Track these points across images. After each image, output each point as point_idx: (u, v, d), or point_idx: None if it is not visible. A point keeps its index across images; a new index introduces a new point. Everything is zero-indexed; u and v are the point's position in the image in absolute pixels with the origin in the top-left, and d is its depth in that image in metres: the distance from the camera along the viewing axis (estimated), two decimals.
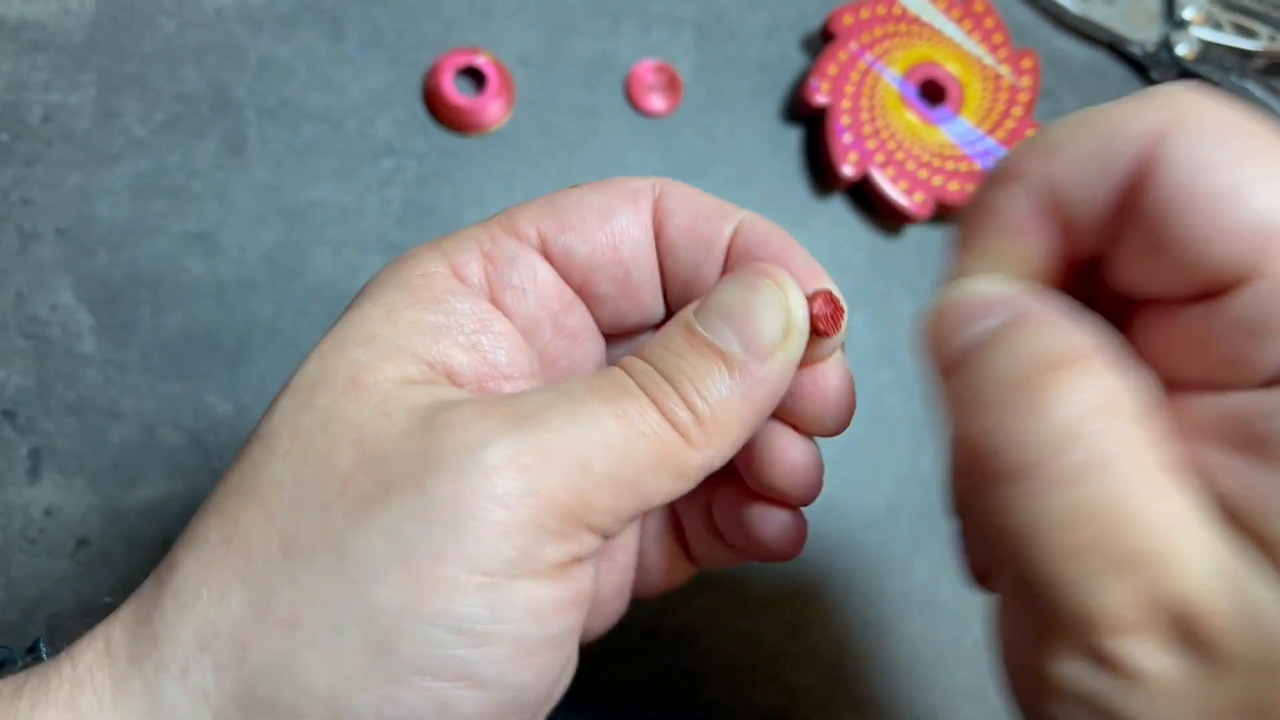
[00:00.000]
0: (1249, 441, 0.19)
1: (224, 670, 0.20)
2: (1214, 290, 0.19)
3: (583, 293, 0.27)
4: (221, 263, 0.48)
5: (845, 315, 0.25)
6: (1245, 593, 0.18)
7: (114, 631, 0.22)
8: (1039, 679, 0.20)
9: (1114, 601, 0.18)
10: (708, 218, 0.26)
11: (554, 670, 0.22)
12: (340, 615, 0.20)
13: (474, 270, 0.26)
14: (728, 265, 0.27)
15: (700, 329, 0.23)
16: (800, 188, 0.52)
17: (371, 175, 0.49)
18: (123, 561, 0.46)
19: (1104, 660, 0.18)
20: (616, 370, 0.24)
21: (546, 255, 0.27)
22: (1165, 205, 0.19)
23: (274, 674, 0.20)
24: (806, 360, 0.25)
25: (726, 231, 0.26)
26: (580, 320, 0.28)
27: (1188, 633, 0.18)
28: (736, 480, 0.29)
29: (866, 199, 0.51)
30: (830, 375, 0.26)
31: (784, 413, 0.26)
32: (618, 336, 0.29)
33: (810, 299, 0.25)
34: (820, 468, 0.28)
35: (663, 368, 0.23)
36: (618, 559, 0.30)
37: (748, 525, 0.29)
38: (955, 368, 0.21)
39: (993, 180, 0.23)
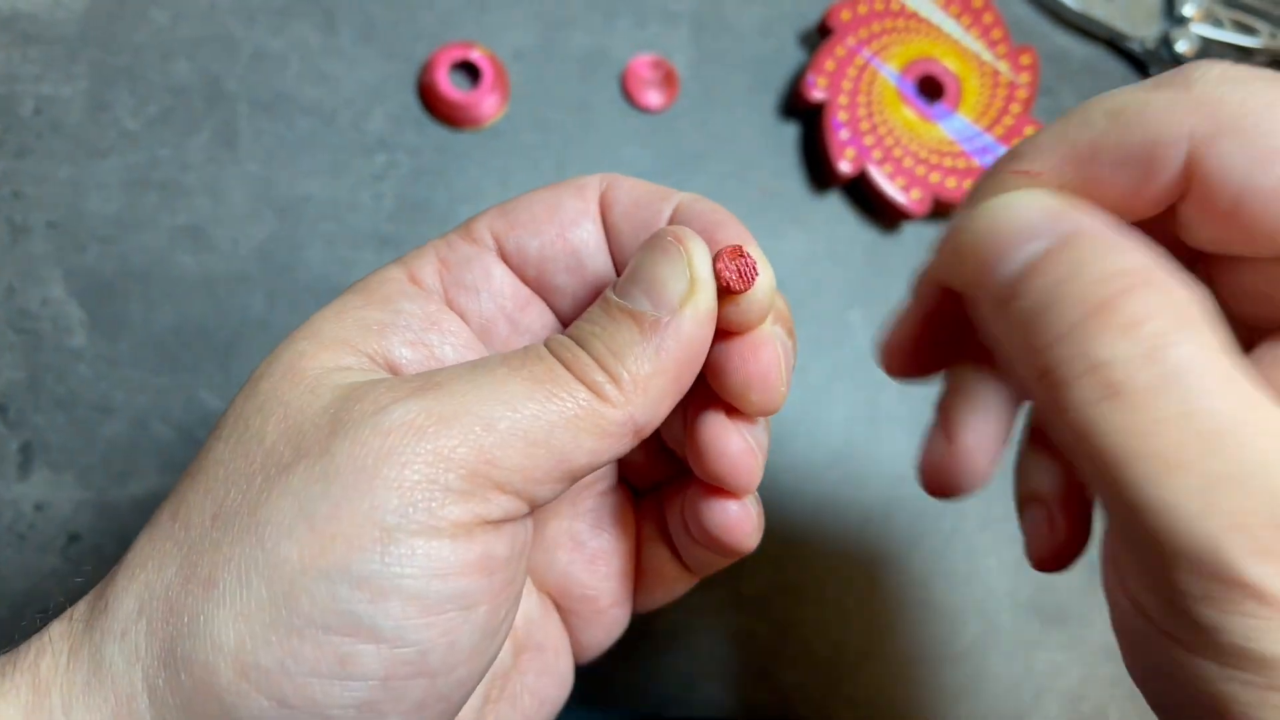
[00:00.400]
0: None
1: (154, 630, 0.22)
2: None
3: (540, 287, 0.28)
4: (213, 257, 0.48)
5: (761, 274, 0.25)
6: None
7: (79, 606, 0.24)
8: (1169, 623, 0.19)
9: (1226, 521, 0.17)
10: (648, 202, 0.27)
11: (465, 633, 0.22)
12: (249, 572, 0.21)
13: (429, 274, 0.27)
14: None
15: (613, 296, 0.24)
16: (797, 184, 0.51)
17: (365, 170, 0.49)
18: (114, 557, 0.45)
19: (1230, 587, 0.17)
20: (535, 344, 0.25)
21: (502, 256, 0.28)
22: (1226, 207, 0.20)
23: (191, 631, 0.21)
24: (731, 323, 0.25)
25: (666, 212, 0.27)
26: (539, 319, 0.28)
27: None
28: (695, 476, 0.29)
29: (864, 195, 0.51)
30: (757, 348, 0.26)
31: (715, 391, 0.27)
32: None
33: (716, 254, 0.25)
34: (753, 454, 0.27)
35: (577, 335, 0.24)
36: (614, 566, 0.31)
37: (700, 518, 0.29)
38: (1011, 295, 0.21)
39: (1002, 170, 0.23)
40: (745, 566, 0.48)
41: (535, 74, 0.51)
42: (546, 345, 0.24)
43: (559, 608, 0.31)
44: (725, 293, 0.25)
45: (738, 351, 0.26)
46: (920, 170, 0.49)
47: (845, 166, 0.49)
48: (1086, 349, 0.19)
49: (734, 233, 0.26)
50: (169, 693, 0.21)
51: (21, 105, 0.48)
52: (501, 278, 0.28)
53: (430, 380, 0.23)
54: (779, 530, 0.48)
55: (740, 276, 0.25)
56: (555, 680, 0.30)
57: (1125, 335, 0.18)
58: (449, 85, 0.49)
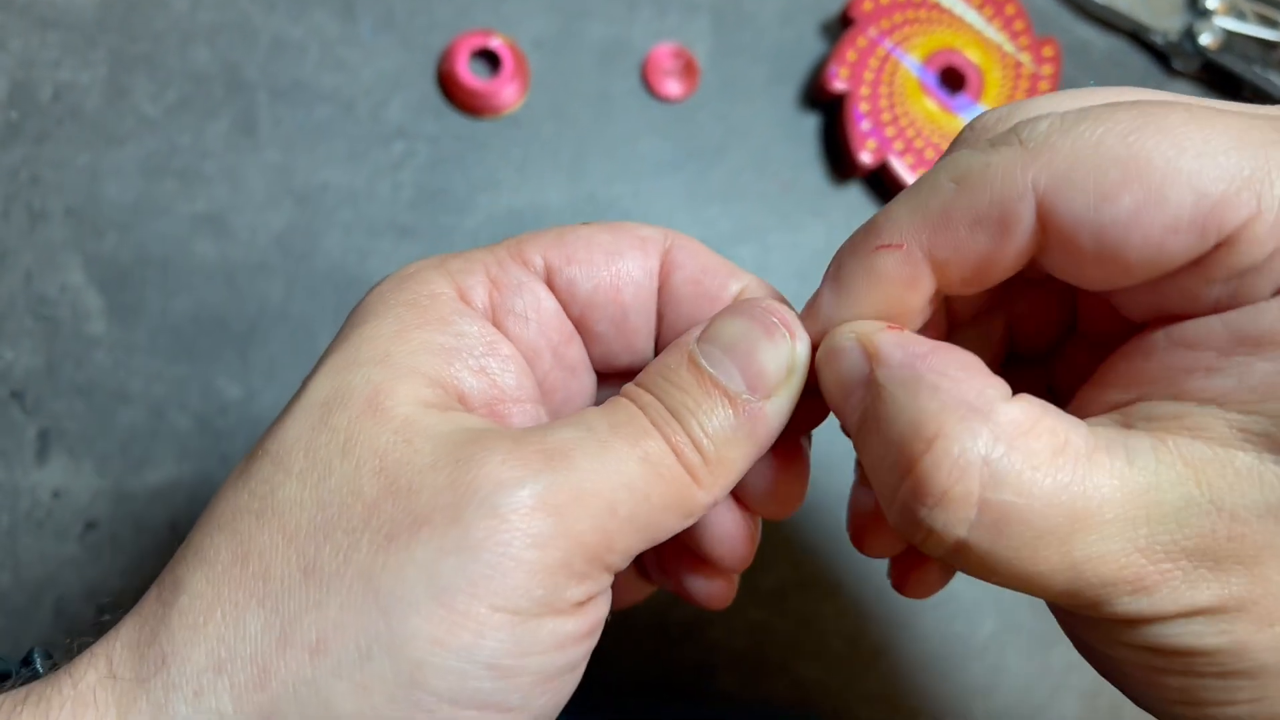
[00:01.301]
0: (1242, 344, 0.20)
1: (243, 693, 0.20)
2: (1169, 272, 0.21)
3: (579, 326, 0.28)
4: (232, 245, 0.47)
5: None
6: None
7: (115, 650, 0.21)
8: None
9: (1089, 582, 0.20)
10: (715, 274, 0.27)
11: (569, 689, 0.23)
12: (370, 644, 0.20)
13: (479, 294, 0.26)
14: None
15: (704, 363, 0.24)
16: (817, 175, 0.51)
17: (383, 158, 0.49)
18: (131, 545, 0.45)
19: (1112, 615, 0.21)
20: (628, 404, 0.24)
21: (551, 286, 0.27)
22: (1090, 249, 0.21)
23: (300, 699, 0.20)
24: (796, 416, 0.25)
25: (732, 290, 0.27)
26: (578, 354, 0.28)
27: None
28: None
29: (884, 187, 0.51)
30: (790, 460, 0.27)
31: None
32: (607, 377, 0.30)
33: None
34: (753, 542, 0.28)
35: (669, 403, 0.23)
36: None
37: (680, 573, 0.30)
38: (858, 422, 0.23)
39: (864, 247, 0.24)
40: (762, 561, 0.48)
41: (555, 63, 0.50)
42: (641, 410, 0.23)
43: None
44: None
45: (771, 460, 0.26)
46: None
47: (866, 158, 0.49)
48: (910, 529, 0.21)
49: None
50: None
51: (40, 91, 0.48)
52: (550, 308, 0.27)
53: (550, 447, 0.22)
54: (796, 525, 0.48)
55: None
56: None
57: (934, 510, 0.20)
58: (468, 73, 0.49)
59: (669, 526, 0.23)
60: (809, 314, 0.25)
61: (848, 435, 0.24)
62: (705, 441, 0.23)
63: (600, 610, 0.23)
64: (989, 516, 0.20)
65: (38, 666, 0.25)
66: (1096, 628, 0.22)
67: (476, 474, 0.21)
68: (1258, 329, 0.19)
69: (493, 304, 0.26)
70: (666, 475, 0.23)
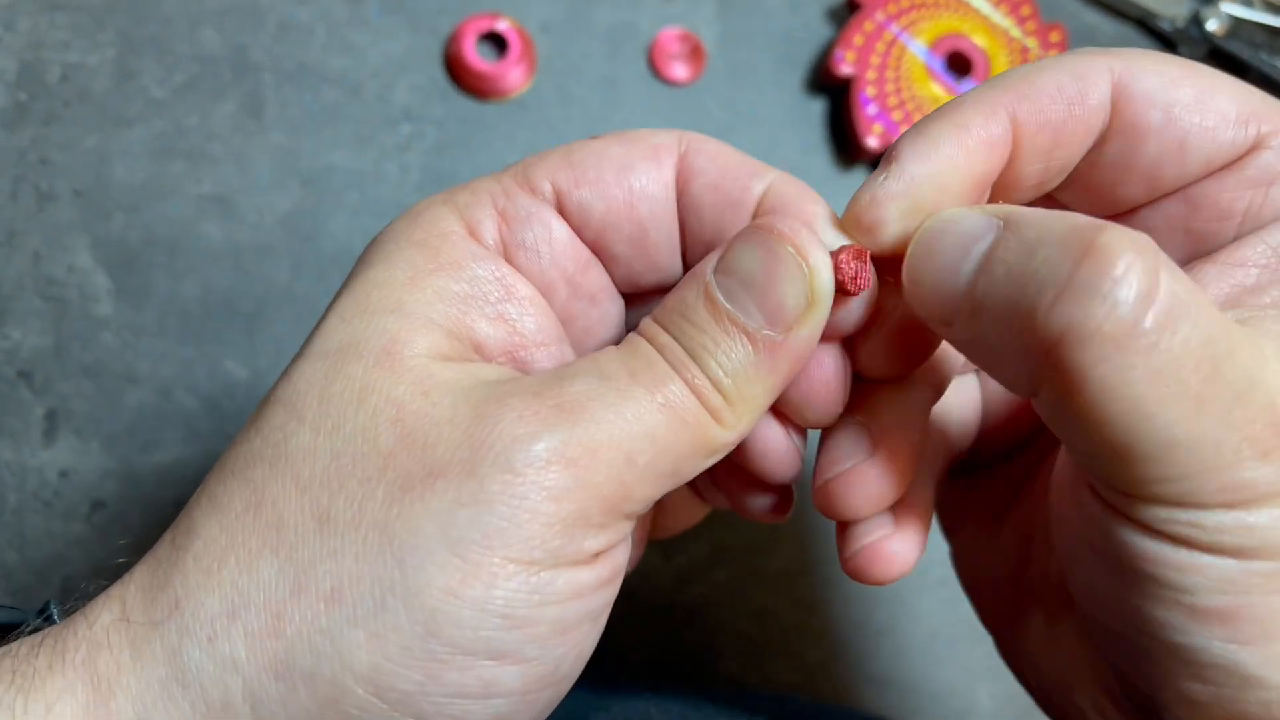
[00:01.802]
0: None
1: (257, 639, 0.20)
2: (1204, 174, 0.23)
3: (597, 249, 0.26)
4: (239, 227, 0.48)
5: (872, 271, 0.23)
6: None
7: (129, 593, 0.21)
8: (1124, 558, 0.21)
9: (1241, 435, 0.19)
10: (736, 176, 0.25)
11: (591, 639, 0.23)
12: (385, 593, 0.20)
13: (489, 229, 0.25)
14: None
15: (721, 298, 0.23)
16: (823, 159, 0.51)
17: (390, 141, 0.49)
18: (138, 524, 0.45)
19: (1238, 503, 0.19)
20: (646, 346, 0.23)
21: (562, 211, 0.26)
22: (1158, 122, 0.23)
23: (315, 647, 0.20)
24: (831, 325, 0.24)
25: (756, 191, 0.25)
26: (598, 280, 0.27)
27: None
28: None
29: None
30: (824, 363, 0.25)
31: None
32: (636, 296, 0.28)
33: (835, 255, 0.23)
34: (797, 455, 0.27)
35: (687, 344, 0.23)
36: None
37: (734, 491, 0.29)
38: (978, 297, 0.21)
39: (950, 110, 0.23)
40: (768, 544, 0.48)
41: (562, 46, 0.51)
42: (658, 351, 0.23)
43: None
44: (839, 294, 0.23)
45: (807, 370, 0.25)
46: None
47: (873, 142, 0.49)
48: (1087, 304, 0.19)
49: (828, 225, 0.24)
50: (280, 706, 0.20)
51: (48, 73, 0.48)
52: (563, 238, 0.26)
53: (566, 399, 0.22)
54: (803, 509, 0.48)
55: (855, 280, 0.23)
56: None
57: (1120, 281, 0.18)
58: (475, 56, 0.49)
59: (693, 469, 0.23)
60: (869, 202, 0.23)
61: (935, 327, 0.23)
62: (726, 381, 0.22)
63: (619, 558, 0.23)
64: (1166, 302, 0.18)
65: (54, 616, 0.25)
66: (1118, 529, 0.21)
67: (492, 429, 0.21)
68: None
69: (503, 239, 0.25)
70: (690, 420, 0.22)
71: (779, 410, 0.26)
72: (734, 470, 0.28)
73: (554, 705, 0.23)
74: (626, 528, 0.23)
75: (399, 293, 0.23)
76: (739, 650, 0.47)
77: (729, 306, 0.22)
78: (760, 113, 0.51)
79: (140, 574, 0.22)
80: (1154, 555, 0.20)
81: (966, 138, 0.22)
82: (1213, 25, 0.53)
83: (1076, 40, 0.53)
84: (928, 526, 0.27)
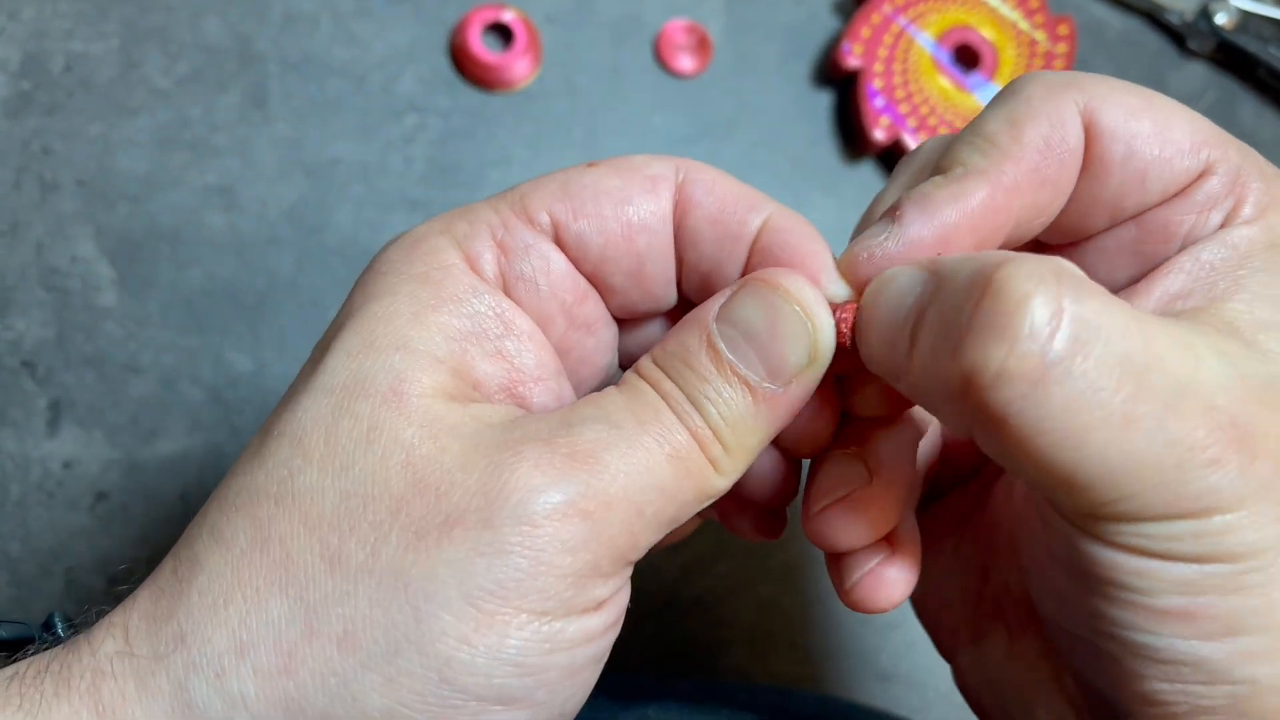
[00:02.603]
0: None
1: (267, 678, 0.20)
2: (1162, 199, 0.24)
3: (593, 281, 0.27)
4: (243, 217, 0.47)
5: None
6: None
7: (132, 621, 0.21)
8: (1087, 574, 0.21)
9: (1181, 446, 0.19)
10: (734, 209, 0.25)
11: (594, 678, 0.23)
12: (400, 640, 0.20)
13: (488, 260, 0.25)
14: (750, 263, 0.26)
15: (724, 349, 0.23)
16: (830, 152, 0.51)
17: (395, 132, 0.49)
18: (141, 515, 0.45)
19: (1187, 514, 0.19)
20: (648, 390, 0.23)
21: (559, 243, 0.26)
22: (1120, 155, 0.23)
23: (328, 689, 0.20)
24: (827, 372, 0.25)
25: (754, 225, 0.25)
26: (594, 310, 0.27)
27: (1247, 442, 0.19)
28: None
29: (897, 164, 0.50)
30: (818, 407, 0.26)
31: None
32: (629, 322, 0.29)
33: (836, 310, 0.24)
34: (791, 479, 0.28)
35: (690, 391, 0.23)
36: None
37: (728, 513, 0.29)
38: (912, 342, 0.21)
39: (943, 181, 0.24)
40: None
41: (568, 37, 0.50)
42: (662, 398, 0.23)
43: None
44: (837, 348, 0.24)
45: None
46: None
47: (879, 135, 0.49)
48: (988, 344, 0.19)
49: (829, 268, 0.25)
50: None
51: (52, 62, 0.48)
52: (560, 269, 0.26)
53: (579, 449, 0.22)
54: None
55: (845, 336, 0.24)
56: None
57: (1017, 316, 0.18)
58: (481, 47, 0.48)
59: (689, 514, 0.23)
60: (864, 256, 0.24)
61: (886, 376, 0.23)
62: (725, 430, 0.23)
63: (623, 600, 0.23)
64: (1073, 327, 0.18)
65: (59, 631, 0.25)
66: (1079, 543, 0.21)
67: (509, 478, 0.21)
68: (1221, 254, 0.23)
69: (501, 271, 0.25)
70: (693, 470, 0.23)
71: (775, 443, 0.26)
72: (728, 495, 0.29)
73: None
74: (629, 572, 0.23)
75: (404, 329, 0.23)
76: (744, 644, 0.47)
77: (731, 358, 0.23)
78: (767, 105, 0.51)
79: (143, 601, 0.22)
80: (1111, 562, 0.20)
81: (968, 203, 0.23)
82: (1221, 19, 0.52)
83: (1084, 33, 0.53)
84: (919, 552, 0.27)
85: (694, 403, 0.23)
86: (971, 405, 0.19)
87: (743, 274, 0.26)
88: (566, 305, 0.26)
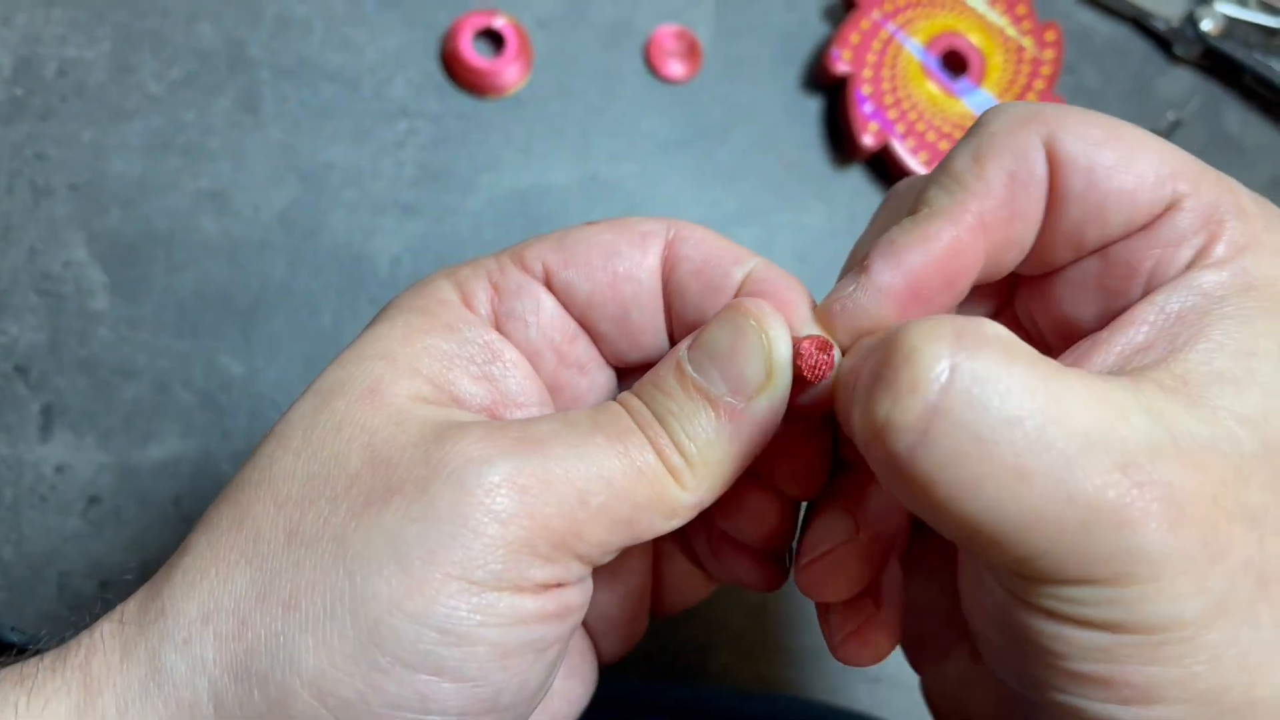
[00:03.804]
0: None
1: (224, 642, 0.22)
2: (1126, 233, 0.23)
3: (584, 325, 0.28)
4: (236, 222, 0.48)
5: (836, 364, 0.25)
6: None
7: (129, 604, 0.23)
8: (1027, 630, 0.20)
9: (1085, 504, 0.18)
10: (718, 263, 0.27)
11: (536, 672, 0.23)
12: (335, 602, 0.21)
13: (482, 299, 0.27)
14: None
15: (690, 370, 0.24)
16: (819, 157, 0.51)
17: (387, 137, 0.49)
18: (134, 519, 0.45)
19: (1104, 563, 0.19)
20: (615, 406, 0.25)
21: (550, 288, 0.27)
22: (1082, 186, 0.23)
23: (270, 650, 0.21)
24: (797, 406, 0.25)
25: (736, 277, 0.27)
26: (585, 351, 0.28)
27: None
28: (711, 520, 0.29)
29: (886, 169, 0.51)
30: (807, 441, 0.27)
31: (756, 469, 0.26)
32: (627, 370, 0.30)
33: (798, 341, 0.25)
34: (783, 521, 0.28)
35: (655, 408, 0.24)
36: (631, 584, 0.31)
37: (722, 560, 0.30)
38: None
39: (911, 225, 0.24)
40: None
41: (559, 43, 0.51)
42: (630, 414, 0.24)
43: (584, 620, 0.31)
44: (796, 379, 0.25)
45: (787, 442, 0.26)
46: (943, 145, 0.49)
47: (868, 140, 0.49)
48: (878, 400, 0.19)
49: (804, 312, 0.26)
50: (238, 707, 0.21)
51: (45, 67, 0.48)
52: (551, 311, 0.27)
53: (530, 435, 0.23)
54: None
55: (819, 370, 0.24)
56: (580, 681, 0.30)
57: (902, 373, 0.19)
58: (472, 53, 0.49)
59: (652, 525, 0.24)
60: (841, 310, 0.25)
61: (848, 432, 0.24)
62: (688, 443, 0.24)
63: (570, 599, 0.23)
64: (962, 380, 0.18)
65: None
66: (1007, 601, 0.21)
67: (450, 450, 0.22)
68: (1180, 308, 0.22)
69: (494, 309, 0.27)
70: (647, 473, 0.23)
71: (768, 482, 0.28)
72: (725, 539, 0.30)
73: None
74: (579, 569, 0.23)
75: (391, 345, 0.25)
76: (733, 646, 0.47)
77: (696, 376, 0.24)
78: (757, 110, 0.51)
79: (142, 589, 0.24)
80: (1029, 624, 0.20)
81: (933, 246, 0.23)
82: (1207, 25, 0.53)
83: (1071, 40, 0.53)
84: (901, 605, 0.28)
85: (658, 417, 0.24)
86: (873, 457, 0.20)
87: None
88: (555, 344, 0.28)
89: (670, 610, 0.33)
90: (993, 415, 0.18)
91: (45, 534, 0.45)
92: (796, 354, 0.24)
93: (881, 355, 0.20)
